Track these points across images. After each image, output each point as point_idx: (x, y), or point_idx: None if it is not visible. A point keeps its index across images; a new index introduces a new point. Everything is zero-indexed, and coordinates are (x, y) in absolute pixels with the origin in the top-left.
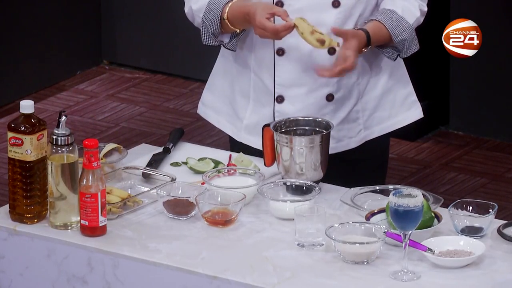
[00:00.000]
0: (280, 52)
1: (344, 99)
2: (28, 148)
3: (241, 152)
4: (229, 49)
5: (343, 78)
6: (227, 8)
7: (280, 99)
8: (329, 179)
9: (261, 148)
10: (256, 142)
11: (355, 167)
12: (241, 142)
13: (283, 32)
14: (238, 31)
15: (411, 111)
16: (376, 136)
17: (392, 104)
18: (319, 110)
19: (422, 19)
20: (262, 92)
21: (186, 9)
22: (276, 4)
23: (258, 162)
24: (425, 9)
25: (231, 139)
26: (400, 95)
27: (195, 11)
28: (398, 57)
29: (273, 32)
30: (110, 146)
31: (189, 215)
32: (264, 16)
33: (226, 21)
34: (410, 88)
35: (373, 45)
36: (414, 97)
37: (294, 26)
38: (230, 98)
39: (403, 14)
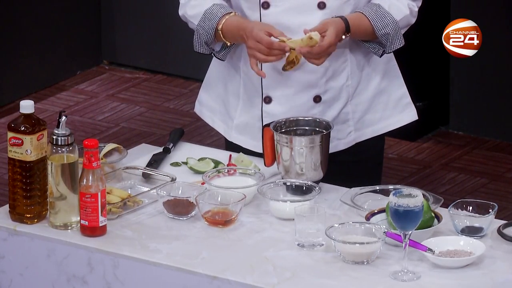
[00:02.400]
0: None
1: (333, 101)
2: (28, 148)
3: (241, 152)
4: (219, 58)
5: (331, 80)
6: (223, 20)
7: (268, 100)
8: (328, 179)
9: (250, 148)
10: (245, 142)
11: (349, 169)
12: (232, 142)
13: (276, 50)
14: (228, 44)
15: (404, 113)
16: (368, 138)
17: (385, 105)
18: (307, 111)
19: (413, 20)
20: (251, 92)
21: (180, 13)
22: (263, 4)
23: (258, 162)
24: (416, 9)
25: (226, 139)
26: (394, 97)
27: (189, 17)
28: (384, 53)
29: (267, 44)
30: (110, 146)
31: (189, 215)
32: (262, 31)
33: (220, 32)
34: (404, 90)
35: (353, 32)
36: (408, 99)
37: (290, 49)
38: (223, 98)
39: (389, 9)
